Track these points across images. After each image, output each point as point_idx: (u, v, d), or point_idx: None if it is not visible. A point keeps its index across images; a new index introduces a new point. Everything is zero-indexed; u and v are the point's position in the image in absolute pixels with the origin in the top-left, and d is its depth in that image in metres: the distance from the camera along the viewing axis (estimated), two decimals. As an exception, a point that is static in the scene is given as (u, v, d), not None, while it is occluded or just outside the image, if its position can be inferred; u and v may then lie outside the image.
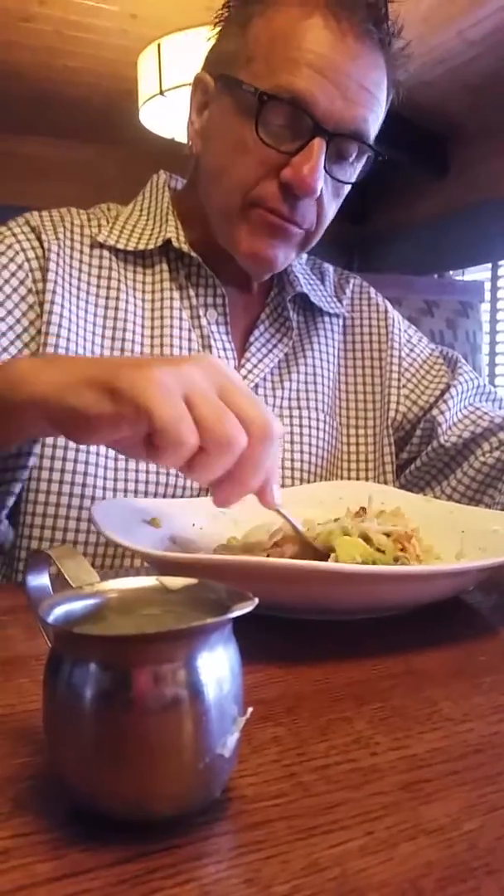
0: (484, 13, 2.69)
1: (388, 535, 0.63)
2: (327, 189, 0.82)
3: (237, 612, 0.31)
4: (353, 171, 0.85)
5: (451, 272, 4.08)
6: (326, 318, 1.00)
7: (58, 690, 0.31)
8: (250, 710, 0.32)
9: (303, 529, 0.65)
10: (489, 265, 3.86)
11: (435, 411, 0.98)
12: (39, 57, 3.23)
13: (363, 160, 0.85)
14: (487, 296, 3.79)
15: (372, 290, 1.06)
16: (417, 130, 3.70)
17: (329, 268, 1.06)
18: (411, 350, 1.04)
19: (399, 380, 1.01)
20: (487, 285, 3.81)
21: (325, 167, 0.78)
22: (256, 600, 0.32)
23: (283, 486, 0.89)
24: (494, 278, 3.85)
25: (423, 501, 0.80)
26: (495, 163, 3.65)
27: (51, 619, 0.32)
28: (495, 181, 3.64)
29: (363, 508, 0.69)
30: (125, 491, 0.82)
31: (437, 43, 2.88)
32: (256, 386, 0.91)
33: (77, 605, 0.34)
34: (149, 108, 2.60)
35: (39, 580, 0.40)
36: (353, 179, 0.86)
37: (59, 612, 0.33)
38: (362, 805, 0.32)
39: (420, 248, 4.13)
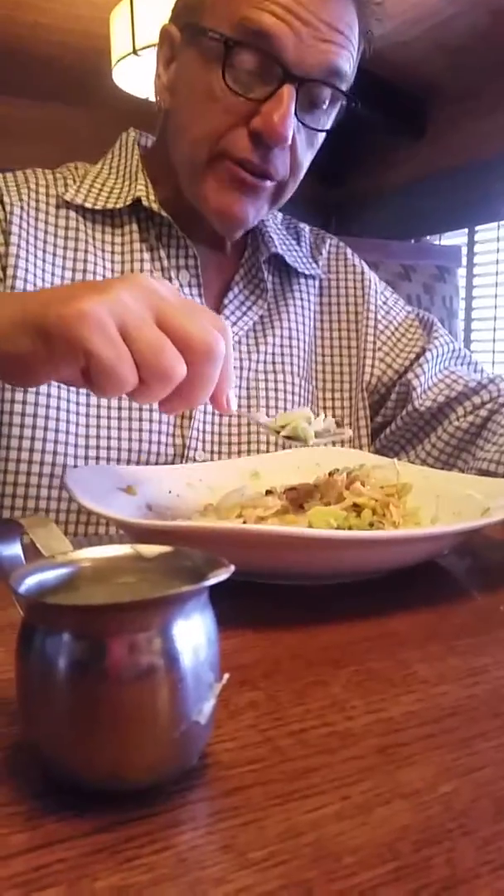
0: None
1: (361, 505, 0.63)
2: (300, 137, 0.80)
3: (213, 580, 0.31)
4: (326, 119, 0.83)
5: (428, 237, 4.06)
6: (302, 280, 0.99)
7: (31, 661, 0.30)
8: (226, 676, 0.32)
9: (268, 422, 0.65)
10: (465, 230, 3.85)
11: (410, 375, 0.97)
12: (8, 12, 3.14)
13: (336, 107, 0.83)
14: (464, 261, 3.77)
15: (349, 251, 1.05)
16: (394, 91, 3.65)
17: (305, 228, 1.04)
18: (387, 312, 1.03)
19: (374, 342, 1.00)
20: (464, 250, 3.80)
21: (296, 115, 0.76)
22: (233, 567, 0.32)
23: (258, 451, 0.89)
24: (471, 244, 3.84)
25: (398, 466, 0.79)
26: (473, 125, 3.61)
27: (22, 589, 0.31)
28: (473, 143, 3.61)
29: (335, 471, 0.69)
30: (97, 458, 0.81)
31: (416, 0, 2.83)
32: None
33: (49, 575, 0.34)
34: (122, 67, 2.54)
35: (11, 549, 0.39)
36: (328, 127, 0.83)
37: (30, 581, 0.32)
38: (338, 769, 0.32)
39: (397, 212, 4.10)
